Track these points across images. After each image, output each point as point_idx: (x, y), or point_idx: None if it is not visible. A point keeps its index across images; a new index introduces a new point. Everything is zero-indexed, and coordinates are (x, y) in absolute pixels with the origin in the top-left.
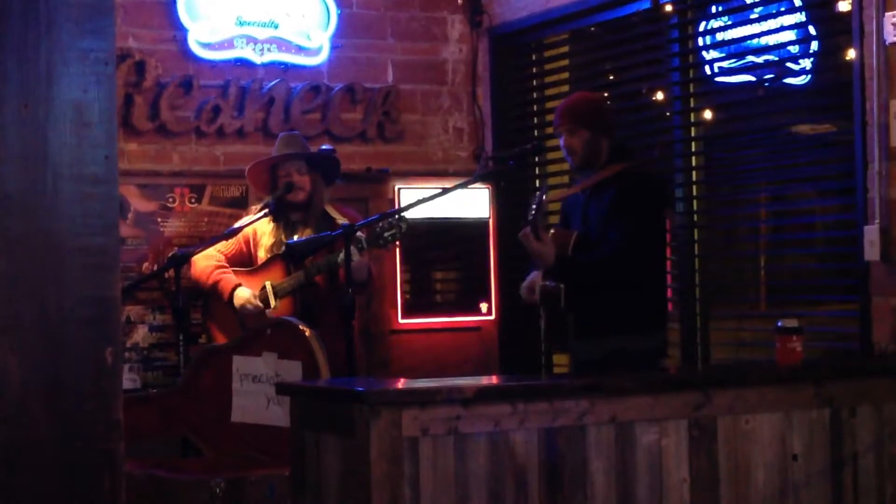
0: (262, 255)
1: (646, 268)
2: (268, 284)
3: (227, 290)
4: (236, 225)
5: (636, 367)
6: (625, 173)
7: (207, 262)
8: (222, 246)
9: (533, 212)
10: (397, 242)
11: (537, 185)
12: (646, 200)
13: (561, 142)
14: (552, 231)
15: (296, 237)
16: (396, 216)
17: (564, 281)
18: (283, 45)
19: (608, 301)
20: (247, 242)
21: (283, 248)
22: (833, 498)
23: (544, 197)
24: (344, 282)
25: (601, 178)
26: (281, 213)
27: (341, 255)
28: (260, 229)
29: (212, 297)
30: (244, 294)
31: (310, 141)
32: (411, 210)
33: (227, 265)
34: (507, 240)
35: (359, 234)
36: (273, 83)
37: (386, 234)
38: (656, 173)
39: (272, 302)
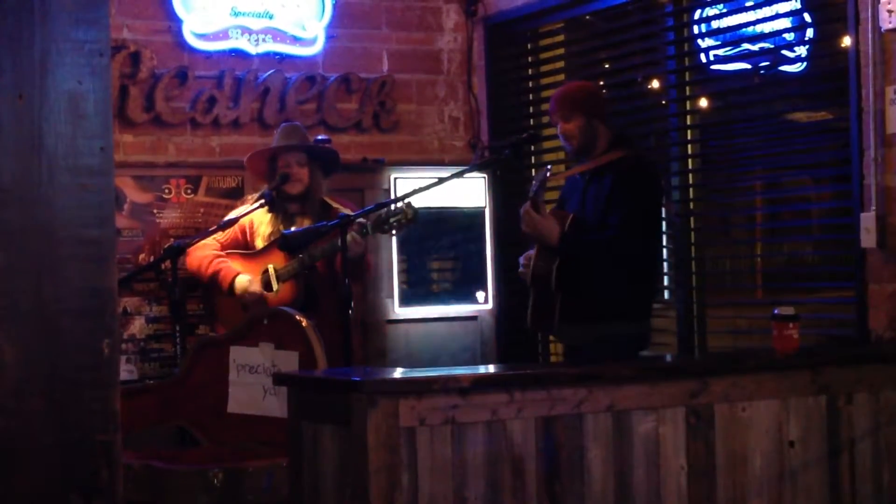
0: (259, 244)
1: (642, 253)
2: (270, 268)
3: (228, 280)
4: (232, 215)
5: (623, 353)
6: (624, 160)
7: (203, 251)
8: (218, 234)
9: (535, 188)
10: (400, 230)
11: (533, 173)
12: (646, 188)
13: (558, 129)
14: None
15: (293, 228)
16: (403, 202)
17: (564, 257)
18: (278, 35)
19: (599, 285)
20: (243, 231)
21: (280, 238)
22: (830, 484)
23: (548, 174)
24: (340, 268)
25: (601, 163)
26: (278, 204)
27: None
28: (257, 219)
29: (211, 290)
30: (243, 282)
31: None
32: (408, 200)
33: (223, 254)
34: (504, 229)
35: (361, 219)
36: (268, 74)
37: (391, 220)
38: (652, 162)
39: (274, 286)
